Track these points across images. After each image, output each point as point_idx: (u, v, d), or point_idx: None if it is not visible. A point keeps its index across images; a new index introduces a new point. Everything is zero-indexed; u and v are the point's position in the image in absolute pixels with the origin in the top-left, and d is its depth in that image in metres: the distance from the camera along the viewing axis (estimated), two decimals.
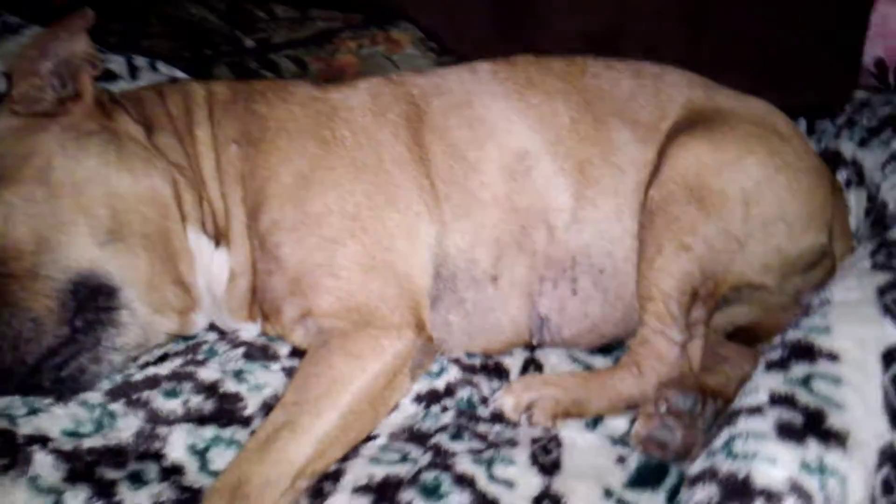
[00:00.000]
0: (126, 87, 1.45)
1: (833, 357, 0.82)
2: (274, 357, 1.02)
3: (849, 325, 0.86)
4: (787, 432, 0.73)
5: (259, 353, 1.02)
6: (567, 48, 1.38)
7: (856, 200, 1.32)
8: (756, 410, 0.77)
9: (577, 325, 1.18)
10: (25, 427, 0.84)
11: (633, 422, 1.03)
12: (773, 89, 1.36)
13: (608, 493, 0.88)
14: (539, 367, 1.17)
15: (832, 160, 1.38)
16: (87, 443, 0.84)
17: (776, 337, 0.92)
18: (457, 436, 0.95)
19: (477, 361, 1.14)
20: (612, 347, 1.25)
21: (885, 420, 0.77)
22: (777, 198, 1.13)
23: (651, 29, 1.65)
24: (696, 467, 0.75)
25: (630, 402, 1.08)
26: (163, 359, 1.00)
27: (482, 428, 0.99)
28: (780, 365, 0.83)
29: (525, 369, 1.17)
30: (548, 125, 1.15)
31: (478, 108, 1.15)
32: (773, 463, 0.70)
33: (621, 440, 1.01)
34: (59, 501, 0.76)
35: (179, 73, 1.59)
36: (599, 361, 1.21)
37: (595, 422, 1.05)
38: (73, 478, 0.79)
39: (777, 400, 0.77)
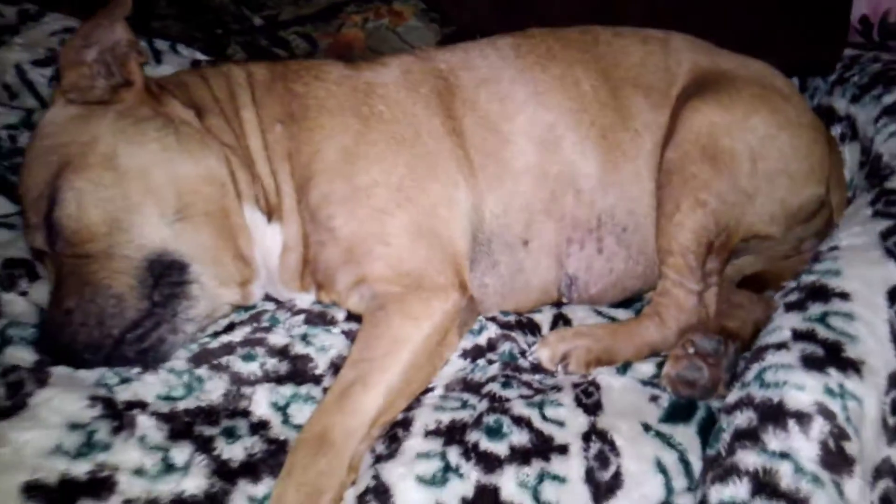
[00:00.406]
0: (151, 71, 1.50)
1: (844, 296, 0.92)
2: (332, 322, 1.10)
3: (856, 268, 0.96)
4: (810, 363, 0.83)
5: (318, 318, 1.10)
6: (566, 17, 1.44)
7: (850, 154, 1.43)
8: (782, 346, 0.87)
9: (602, 281, 1.28)
10: (123, 394, 0.91)
11: (659, 366, 1.14)
12: (765, 51, 1.44)
13: (646, 427, 0.98)
14: (567, 322, 1.27)
15: (826, 116, 1.48)
16: (182, 405, 0.92)
17: (791, 282, 1.02)
18: (506, 384, 1.04)
19: (512, 319, 1.22)
20: (631, 301, 1.36)
21: (893, 349, 0.88)
22: (780, 153, 1.22)
23: None
24: (731, 397, 0.86)
25: (654, 348, 1.18)
26: (230, 328, 1.08)
27: (526, 377, 1.09)
28: (799, 306, 0.93)
29: (555, 324, 1.26)
30: (572, 95, 1.23)
31: (505, 82, 1.22)
32: (802, 389, 0.80)
33: (650, 382, 1.11)
34: (166, 457, 0.85)
35: (199, 56, 1.63)
36: (622, 314, 1.31)
37: (624, 367, 1.15)
38: (174, 436, 0.88)
39: (799, 336, 0.88)
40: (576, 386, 1.06)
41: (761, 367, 0.86)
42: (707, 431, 0.97)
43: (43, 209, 1.00)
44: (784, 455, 0.74)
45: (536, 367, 1.14)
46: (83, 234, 0.99)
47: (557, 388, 1.05)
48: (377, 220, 1.08)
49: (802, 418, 0.77)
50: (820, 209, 1.29)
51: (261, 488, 0.87)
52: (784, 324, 0.91)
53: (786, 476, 0.72)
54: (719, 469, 0.77)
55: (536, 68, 1.25)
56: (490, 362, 1.12)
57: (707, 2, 1.69)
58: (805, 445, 0.75)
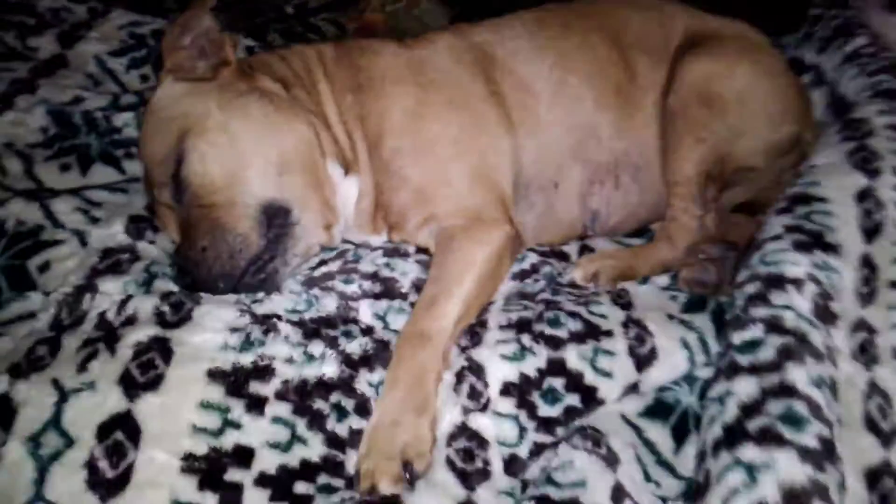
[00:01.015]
0: None
1: (823, 200, 1.18)
2: (406, 254, 1.33)
3: (830, 179, 1.22)
4: (800, 246, 1.08)
5: (394, 252, 1.33)
6: None
7: (818, 97, 1.68)
8: (777, 237, 1.13)
9: (620, 213, 1.52)
10: (260, 309, 1.14)
11: (673, 278, 1.39)
12: (743, 14, 1.69)
13: (670, 316, 1.23)
14: (591, 251, 1.51)
15: (797, 66, 1.73)
16: (307, 315, 1.14)
17: (780, 195, 1.27)
18: (555, 293, 1.28)
19: (546, 250, 1.47)
20: (642, 232, 1.61)
21: (861, 237, 1.14)
22: (761, 97, 1.47)
23: None
24: (741, 277, 1.11)
25: (666, 265, 1.42)
26: (323, 263, 1.30)
27: (568, 289, 1.33)
28: (788, 210, 1.19)
29: (581, 253, 1.50)
30: (590, 58, 1.47)
31: (534, 50, 1.45)
32: (796, 264, 1.05)
33: (668, 287, 1.36)
34: (307, 350, 1.08)
35: (248, 42, 1.83)
36: (636, 242, 1.55)
37: (644, 281, 1.39)
38: (308, 336, 1.10)
39: (790, 229, 1.13)
40: (609, 292, 1.31)
41: (762, 252, 1.11)
42: (718, 320, 1.23)
43: (170, 169, 1.20)
44: (786, 307, 0.99)
45: (572, 285, 1.39)
46: (207, 187, 1.20)
47: (596, 294, 1.29)
48: (441, 167, 1.31)
49: (798, 283, 1.03)
50: (796, 144, 1.55)
51: (375, 376, 1.11)
52: (776, 223, 1.17)
53: (789, 320, 0.97)
54: (737, 322, 1.02)
55: (559, 37, 1.48)
56: (536, 280, 1.36)
57: None
58: (801, 302, 1.01)
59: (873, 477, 0.90)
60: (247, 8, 2.01)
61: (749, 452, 0.81)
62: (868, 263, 1.12)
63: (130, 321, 1.06)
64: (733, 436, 0.85)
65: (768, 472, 0.78)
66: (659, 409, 1.11)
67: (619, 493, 0.92)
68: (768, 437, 0.81)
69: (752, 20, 1.67)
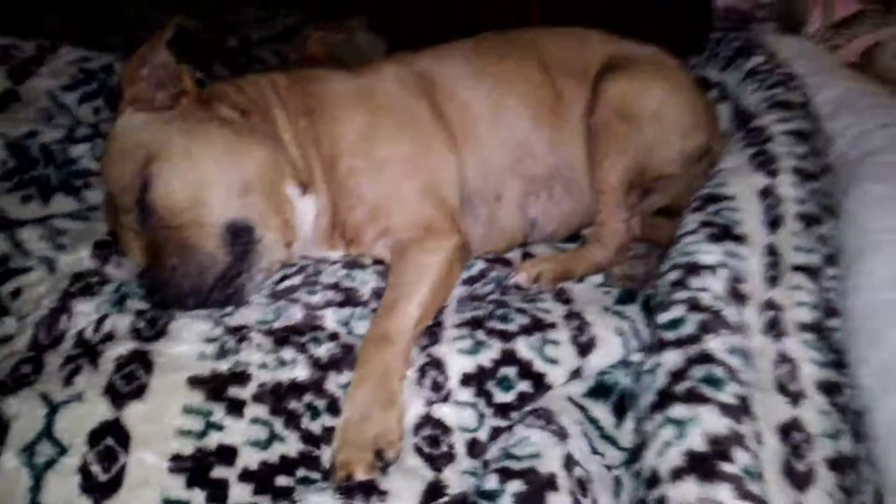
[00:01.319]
0: None
1: (731, 198, 1.34)
2: (363, 266, 1.42)
3: (736, 179, 1.39)
4: (713, 238, 1.24)
5: (352, 264, 1.42)
6: (492, 26, 1.83)
7: (724, 111, 1.88)
8: (692, 231, 1.28)
9: (556, 220, 1.67)
10: (231, 321, 1.21)
11: (605, 276, 1.54)
12: (653, 38, 1.88)
13: (605, 308, 1.36)
14: (532, 256, 1.64)
15: (703, 84, 1.93)
16: (276, 325, 1.22)
17: (693, 196, 1.44)
18: (503, 293, 1.41)
19: (491, 257, 1.59)
20: (574, 238, 1.75)
21: (765, 230, 1.30)
22: (674, 112, 1.65)
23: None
24: (663, 267, 1.26)
25: (599, 266, 1.56)
26: (286, 278, 1.39)
27: (514, 291, 1.46)
28: (700, 208, 1.35)
29: (523, 259, 1.64)
30: (524, 82, 1.61)
31: (473, 76, 1.59)
32: (709, 253, 1.21)
33: (601, 284, 1.50)
34: (278, 357, 1.16)
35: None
36: (570, 246, 1.70)
37: (580, 280, 1.54)
38: (278, 343, 1.19)
39: (703, 224, 1.29)
40: (551, 292, 1.44)
41: (682, 244, 1.27)
42: (647, 310, 1.37)
43: (135, 194, 1.27)
44: (702, 289, 1.14)
45: (517, 287, 1.51)
46: (172, 210, 1.27)
47: (541, 293, 1.42)
48: (394, 184, 1.42)
49: (712, 269, 1.18)
50: (705, 154, 1.73)
51: (343, 377, 1.20)
52: (692, 219, 1.33)
53: (706, 299, 1.12)
54: (662, 305, 1.16)
55: (495, 64, 1.63)
56: (485, 285, 1.48)
57: (603, 10, 2.13)
58: (715, 284, 1.16)
59: (785, 431, 1.04)
60: (192, 41, 2.08)
61: (677, 410, 0.94)
62: (773, 251, 1.28)
63: (109, 337, 1.12)
64: (664, 398, 0.98)
65: (694, 425, 0.91)
66: (600, 391, 1.24)
67: (569, 461, 1.04)
68: (693, 397, 0.95)
69: (660, 43, 1.86)
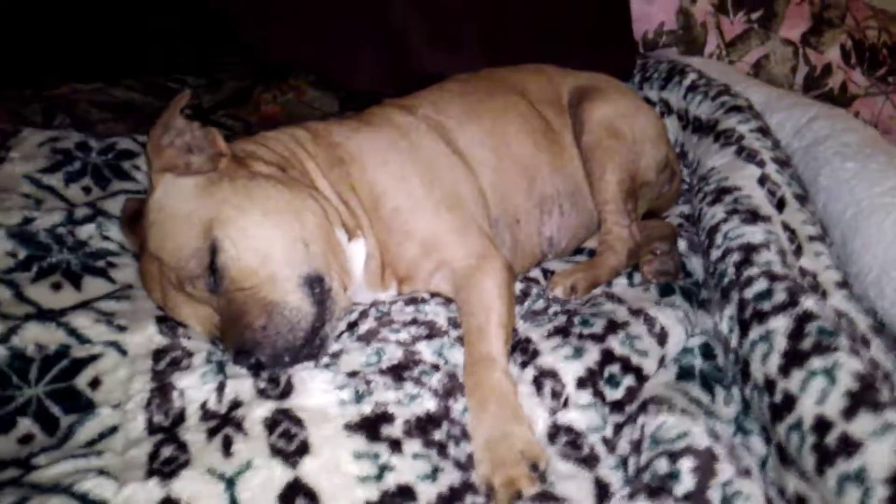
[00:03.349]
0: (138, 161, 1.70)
1: (739, 188, 1.53)
2: (424, 300, 1.44)
3: (734, 172, 1.58)
4: (748, 221, 1.41)
5: (413, 301, 1.43)
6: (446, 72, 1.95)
7: (671, 124, 2.12)
8: (724, 220, 1.45)
9: (568, 236, 1.78)
10: (344, 367, 1.18)
11: (629, 278, 1.67)
12: (589, 67, 2.08)
13: (656, 303, 1.48)
14: (551, 273, 1.74)
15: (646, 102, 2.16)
16: (382, 365, 1.20)
17: (694, 196, 1.61)
18: (562, 305, 1.48)
19: (520, 277, 1.67)
20: (581, 251, 1.88)
21: (776, 210, 1.50)
22: (645, 126, 1.85)
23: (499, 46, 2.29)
24: (715, 255, 1.41)
25: (617, 270, 1.70)
26: (354, 325, 1.37)
27: (553, 302, 1.54)
28: (716, 201, 1.53)
29: (544, 277, 1.73)
30: (518, 113, 1.73)
31: (471, 113, 1.68)
32: (755, 233, 1.37)
33: (633, 286, 1.63)
34: (406, 392, 1.15)
35: None
36: (581, 259, 1.82)
37: (608, 285, 1.65)
38: (397, 381, 1.17)
39: (730, 212, 1.46)
40: (594, 297, 1.54)
41: (722, 233, 1.43)
42: (688, 297, 1.52)
43: (205, 260, 1.21)
44: (768, 262, 1.29)
45: (555, 300, 1.59)
46: (245, 271, 1.22)
47: (591, 297, 1.52)
48: (441, 218, 1.46)
49: (766, 245, 1.34)
50: (668, 163, 1.94)
51: (460, 404, 1.20)
52: (714, 211, 1.50)
53: (777, 270, 1.27)
54: (739, 283, 1.29)
55: (487, 100, 1.73)
56: (535, 301, 1.55)
57: (550, 45, 2.31)
58: (773, 257, 1.31)
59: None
60: (135, 115, 1.98)
61: (815, 363, 1.06)
62: (787, 227, 1.47)
63: (238, 404, 1.05)
64: (794, 357, 1.09)
65: (840, 370, 1.03)
66: (684, 374, 1.34)
67: (713, 434, 1.12)
68: (822, 349, 1.07)
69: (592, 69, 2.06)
